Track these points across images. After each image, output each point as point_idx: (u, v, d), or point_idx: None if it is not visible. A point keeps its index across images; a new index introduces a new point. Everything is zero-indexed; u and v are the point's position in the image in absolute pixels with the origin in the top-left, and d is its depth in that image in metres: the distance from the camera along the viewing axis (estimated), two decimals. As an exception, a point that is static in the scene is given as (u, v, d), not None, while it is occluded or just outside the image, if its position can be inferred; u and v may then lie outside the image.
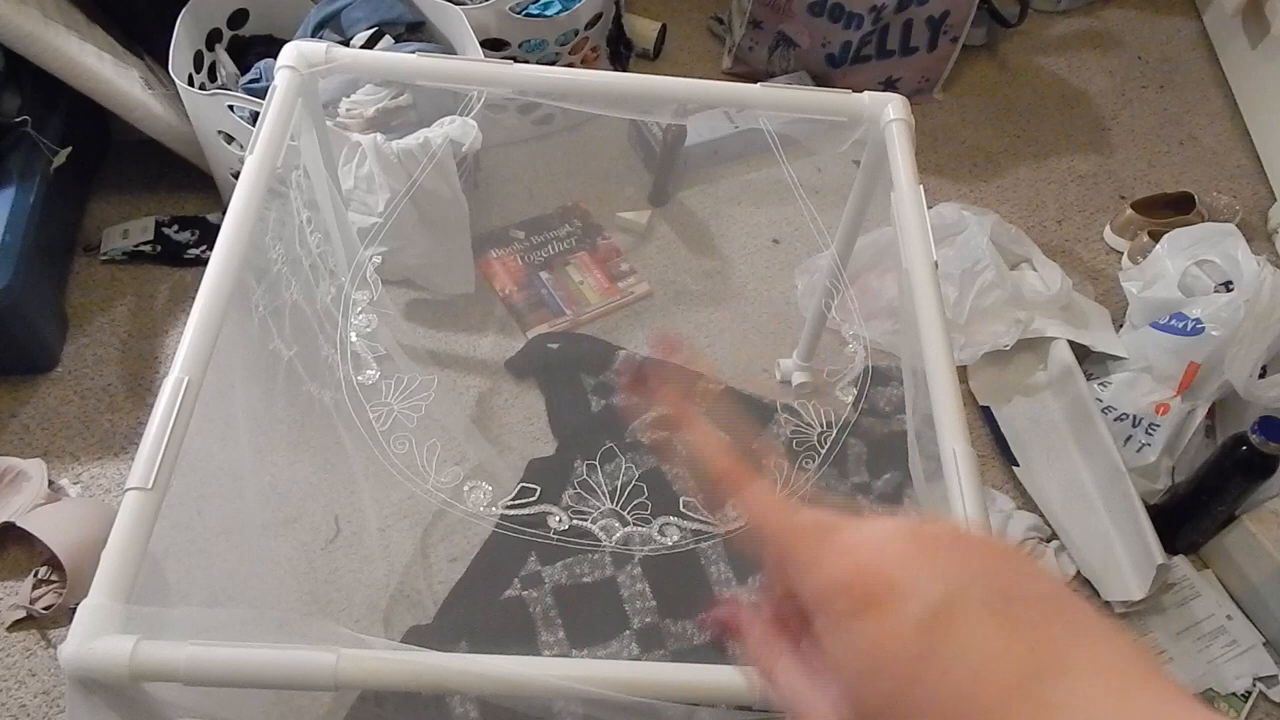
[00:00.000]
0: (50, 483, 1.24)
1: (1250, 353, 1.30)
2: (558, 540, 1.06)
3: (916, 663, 0.24)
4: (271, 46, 1.57)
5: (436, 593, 1.19)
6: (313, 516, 1.23)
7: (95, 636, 0.58)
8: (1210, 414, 1.41)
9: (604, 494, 1.17)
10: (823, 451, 1.18)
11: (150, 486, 0.65)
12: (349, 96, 1.41)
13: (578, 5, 1.61)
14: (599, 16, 1.70)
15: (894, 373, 1.40)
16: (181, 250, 1.52)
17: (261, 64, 1.50)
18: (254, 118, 1.26)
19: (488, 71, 1.05)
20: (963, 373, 1.48)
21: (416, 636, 1.14)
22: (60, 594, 1.15)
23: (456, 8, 1.50)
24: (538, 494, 1.08)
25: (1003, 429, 1.43)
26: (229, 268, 0.79)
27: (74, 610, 0.59)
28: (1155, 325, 1.43)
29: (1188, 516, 1.30)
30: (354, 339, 1.10)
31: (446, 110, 1.38)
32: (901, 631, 0.25)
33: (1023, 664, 0.24)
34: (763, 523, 0.31)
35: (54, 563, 1.16)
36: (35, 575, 1.17)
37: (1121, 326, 1.54)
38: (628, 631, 1.17)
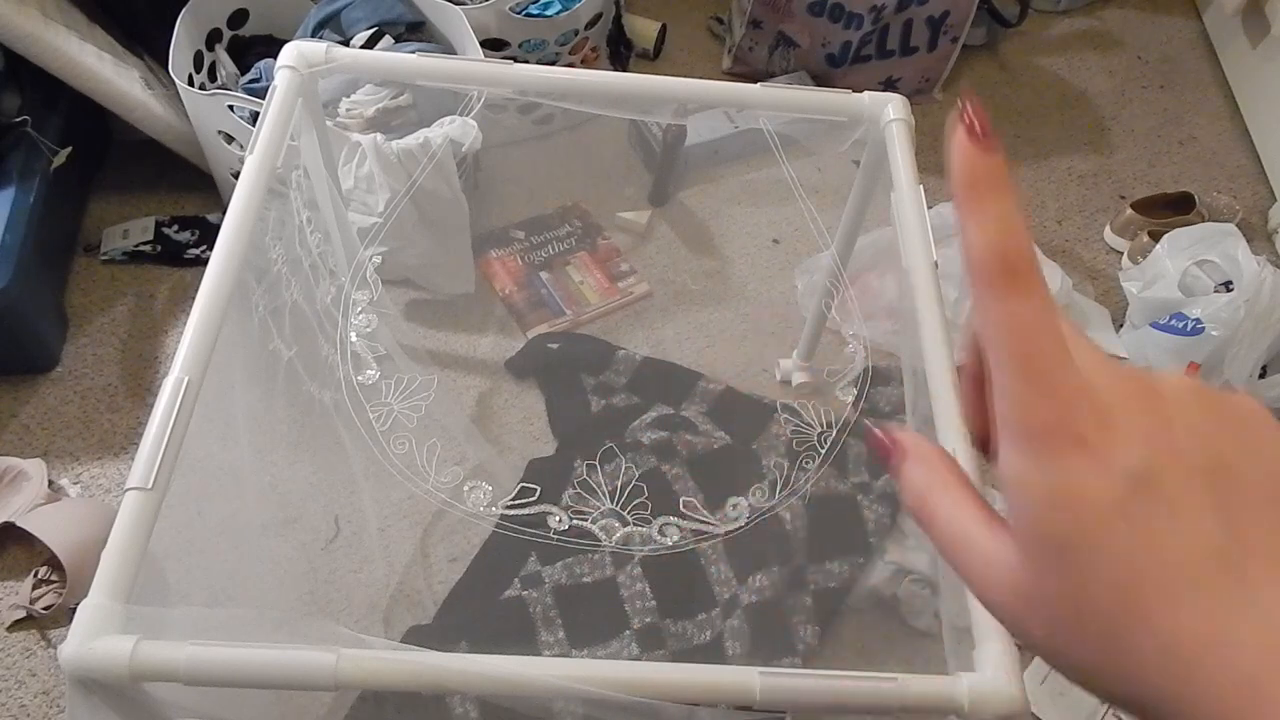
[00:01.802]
0: (50, 483, 1.24)
1: (1250, 353, 1.30)
2: (558, 540, 1.06)
3: (1109, 511, 0.23)
4: (271, 46, 1.57)
5: (436, 593, 1.19)
6: (313, 516, 1.23)
7: (95, 636, 0.58)
8: (1210, 414, 1.41)
9: (604, 494, 1.17)
10: (823, 451, 1.18)
11: (150, 486, 0.65)
12: (349, 96, 1.41)
13: (578, 5, 1.61)
14: (599, 16, 1.70)
15: (894, 373, 1.40)
16: (181, 250, 1.52)
17: (261, 64, 1.50)
18: (254, 118, 1.26)
19: (488, 71, 1.05)
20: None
21: (416, 636, 1.14)
22: (60, 594, 1.15)
23: (456, 8, 1.50)
24: (538, 494, 1.08)
25: (1003, 429, 1.42)
26: (229, 268, 0.79)
27: (74, 610, 0.59)
28: (1155, 325, 1.43)
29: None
30: (354, 339, 1.10)
31: (446, 110, 1.38)
32: (1105, 478, 0.23)
33: (1214, 549, 0.22)
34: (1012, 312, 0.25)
35: (54, 563, 1.16)
36: (35, 575, 1.17)
37: (1121, 326, 1.54)
38: (628, 631, 1.17)
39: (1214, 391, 0.25)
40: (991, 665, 0.63)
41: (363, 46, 1.46)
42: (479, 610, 1.18)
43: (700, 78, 1.14)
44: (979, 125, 0.25)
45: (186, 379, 0.70)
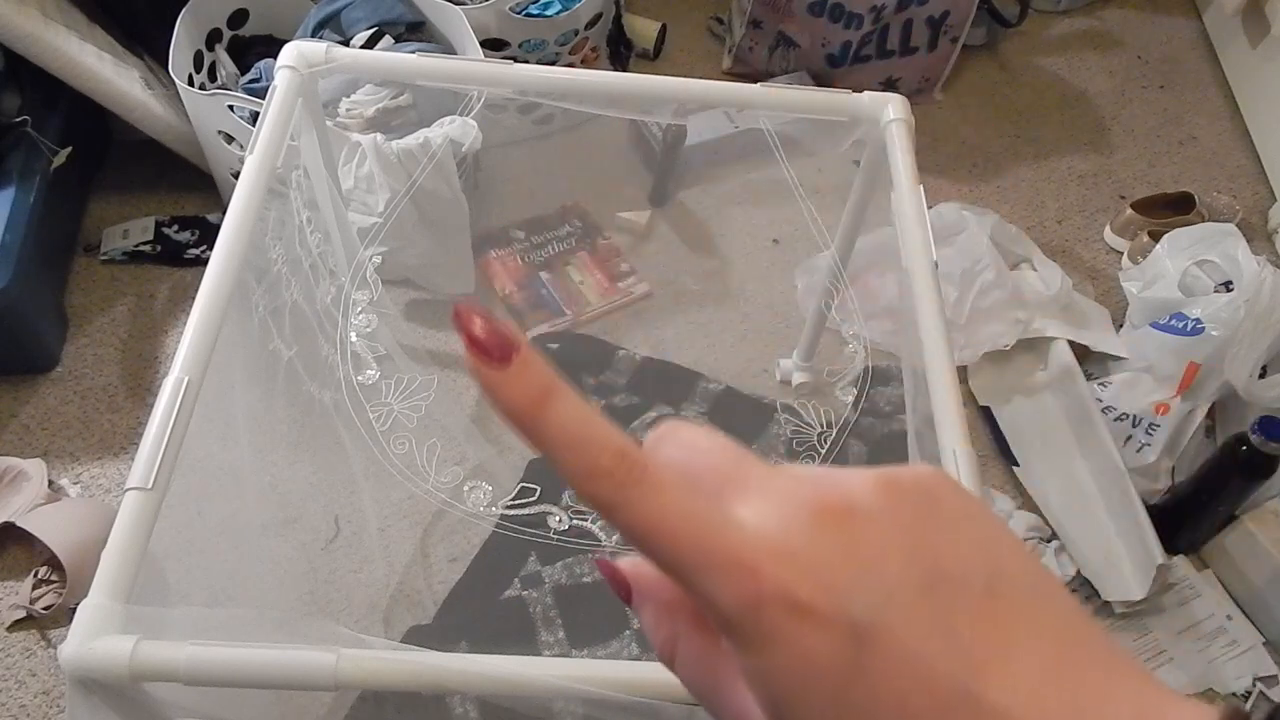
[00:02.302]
0: (50, 483, 1.24)
1: (1250, 353, 1.30)
2: (558, 540, 1.06)
3: (848, 677, 0.21)
4: (271, 46, 1.57)
5: (436, 593, 1.19)
6: (313, 516, 1.23)
7: (95, 636, 0.58)
8: (1210, 414, 1.41)
9: (604, 494, 1.17)
10: (823, 451, 1.18)
11: (150, 486, 0.65)
12: (349, 96, 1.41)
13: (578, 5, 1.61)
14: (599, 16, 1.70)
15: (894, 373, 1.40)
16: (181, 250, 1.52)
17: (261, 64, 1.50)
18: (254, 118, 1.26)
19: (488, 71, 1.05)
20: (963, 373, 1.48)
21: (416, 636, 1.14)
22: (60, 594, 1.15)
23: (456, 8, 1.50)
24: (538, 494, 1.08)
25: (1003, 429, 1.43)
26: (229, 268, 0.78)
27: (74, 610, 0.59)
28: (1155, 325, 1.43)
29: (1188, 516, 1.30)
30: (354, 339, 1.10)
31: (446, 110, 1.38)
32: (827, 646, 0.21)
33: (960, 663, 0.21)
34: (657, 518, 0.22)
35: (54, 563, 1.16)
36: (35, 575, 1.17)
37: (1121, 326, 1.54)
38: (628, 631, 1.17)
39: (900, 482, 0.23)
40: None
41: (363, 46, 1.46)
42: (479, 610, 1.18)
43: (700, 78, 1.14)
44: (488, 337, 0.22)
45: (186, 379, 0.70)
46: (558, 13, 1.61)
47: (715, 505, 0.22)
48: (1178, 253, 1.48)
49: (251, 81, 1.48)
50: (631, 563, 0.26)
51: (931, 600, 0.22)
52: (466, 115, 1.33)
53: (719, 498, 0.23)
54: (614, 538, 1.11)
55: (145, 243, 1.52)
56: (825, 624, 0.21)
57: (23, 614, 1.14)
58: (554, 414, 0.22)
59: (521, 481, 1.26)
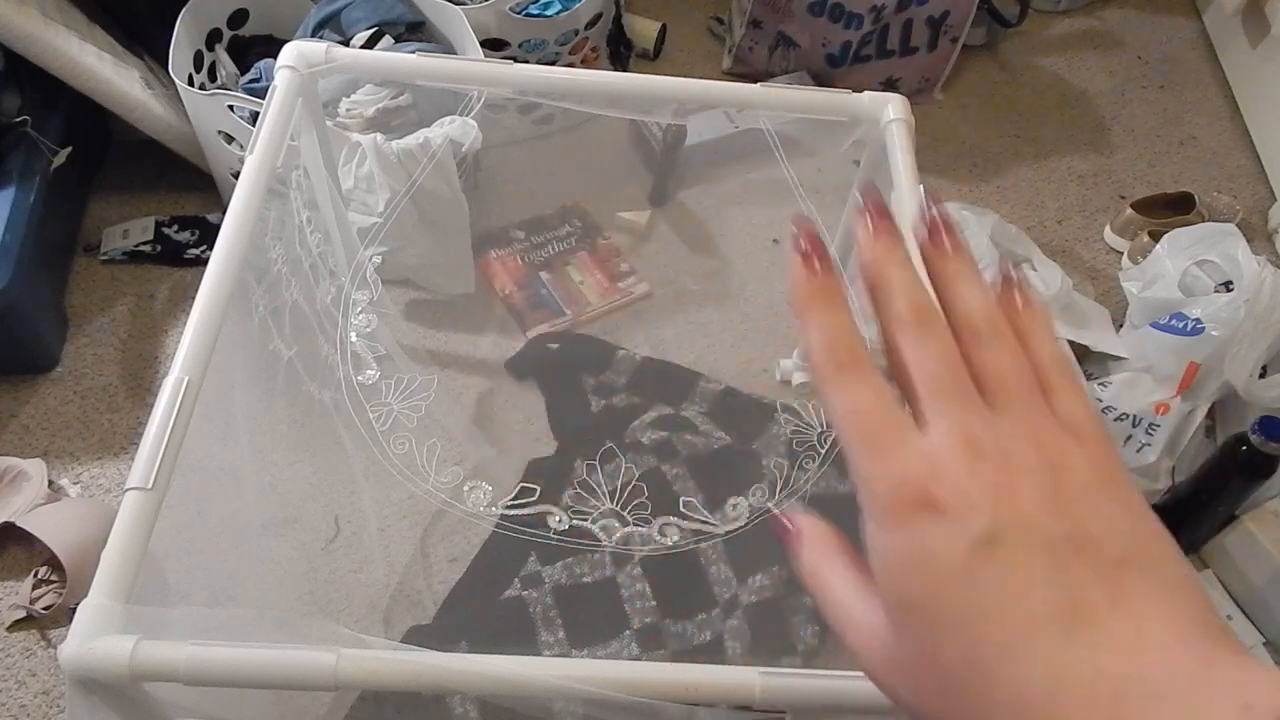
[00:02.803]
0: (50, 483, 1.24)
1: (1250, 353, 1.30)
2: (558, 540, 1.06)
3: (954, 576, 0.24)
4: (271, 46, 1.57)
5: (436, 593, 1.19)
6: (313, 516, 1.23)
7: (95, 636, 0.58)
8: (1210, 414, 1.41)
9: (604, 494, 1.17)
10: (823, 451, 1.18)
11: (150, 486, 0.65)
12: (349, 96, 1.41)
13: (578, 5, 1.61)
14: (599, 16, 1.70)
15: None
16: (181, 250, 1.52)
17: (261, 64, 1.50)
18: (254, 118, 1.26)
19: (488, 71, 1.05)
20: (963, 373, 1.48)
21: (416, 636, 1.14)
22: (60, 594, 1.15)
23: (456, 8, 1.50)
24: (538, 494, 1.08)
25: (1003, 429, 1.42)
26: (229, 268, 0.78)
27: (74, 610, 0.59)
28: (1155, 325, 1.43)
29: (1188, 516, 1.30)
30: (354, 339, 1.10)
31: (446, 110, 1.38)
32: (950, 544, 0.24)
33: (1051, 607, 0.23)
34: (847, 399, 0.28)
35: (54, 563, 1.16)
36: (35, 575, 1.17)
37: (1121, 326, 1.54)
38: (628, 631, 1.17)
39: (1066, 453, 0.26)
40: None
41: (363, 46, 1.46)
42: (479, 610, 1.18)
43: (700, 78, 1.14)
44: (811, 249, 0.30)
45: (186, 379, 0.70)
46: (558, 13, 1.61)
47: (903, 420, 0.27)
48: (1178, 253, 1.48)
49: (251, 81, 1.48)
50: (805, 518, 0.31)
51: (1061, 549, 0.24)
52: (466, 115, 1.33)
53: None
54: (613, 538, 1.11)
55: (145, 243, 1.52)
56: (953, 524, 0.24)
57: (23, 614, 1.15)
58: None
59: (521, 481, 1.26)
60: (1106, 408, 1.40)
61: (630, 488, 1.19)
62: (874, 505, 0.26)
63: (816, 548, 0.30)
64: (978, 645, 0.24)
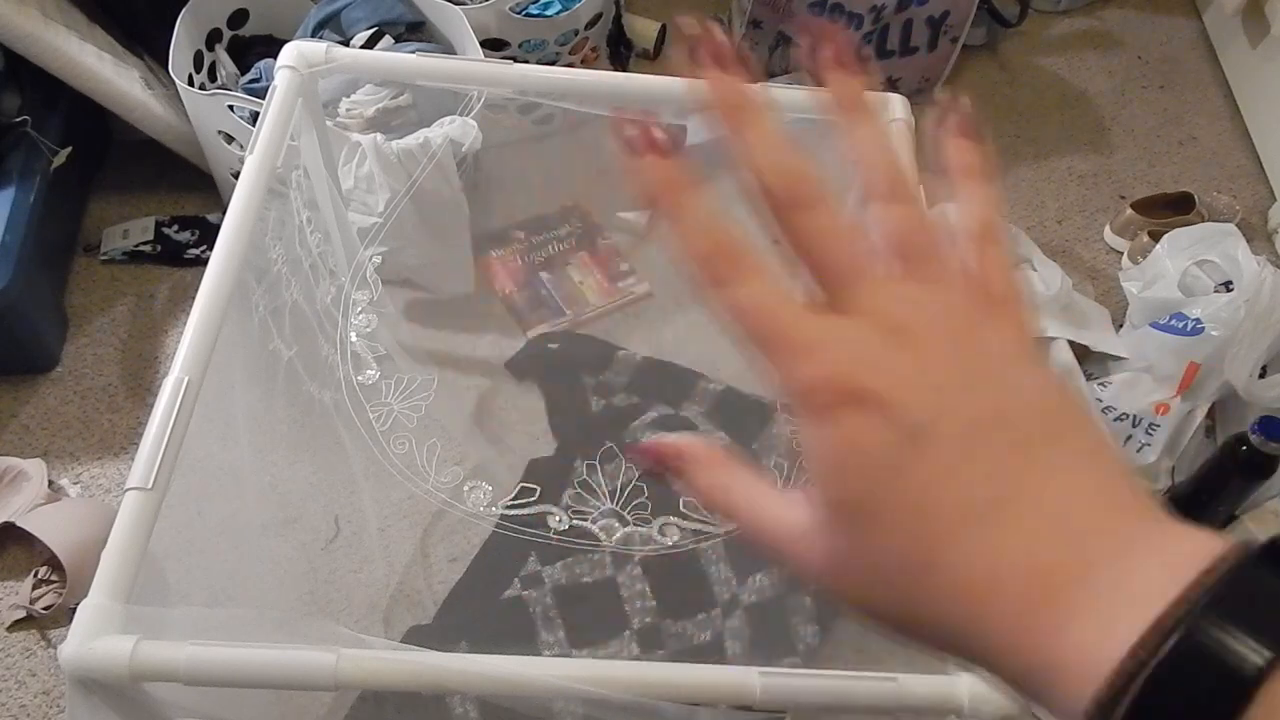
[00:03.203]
0: (50, 483, 1.24)
1: (1250, 353, 1.30)
2: (558, 540, 1.06)
3: (886, 471, 0.24)
4: (271, 46, 1.57)
5: (436, 593, 1.19)
6: (313, 516, 1.23)
7: (95, 636, 0.58)
8: (1210, 414, 1.41)
9: (604, 494, 1.17)
10: (823, 451, 1.18)
11: (150, 486, 0.65)
12: (349, 96, 1.41)
13: (578, 5, 1.61)
14: (599, 16, 1.70)
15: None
16: (181, 250, 1.52)
17: (261, 64, 1.50)
18: (254, 118, 1.26)
19: (488, 71, 1.05)
20: (963, 373, 1.48)
21: (416, 636, 1.14)
22: (60, 594, 1.15)
23: (456, 8, 1.50)
24: (538, 494, 1.08)
25: (1003, 429, 1.43)
26: (229, 268, 0.78)
27: (74, 610, 0.59)
28: (1155, 325, 1.43)
29: (1188, 516, 1.30)
30: (354, 339, 1.10)
31: (446, 110, 1.38)
32: (880, 437, 0.24)
33: (980, 492, 0.24)
34: (757, 311, 0.27)
35: (54, 563, 1.16)
36: (35, 575, 1.17)
37: (1121, 326, 1.54)
38: (628, 631, 1.17)
39: (983, 324, 0.26)
40: (991, 665, 0.63)
41: (363, 46, 1.46)
42: (479, 610, 1.18)
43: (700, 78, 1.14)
44: (645, 134, 0.29)
45: (186, 379, 0.70)
46: (558, 13, 1.61)
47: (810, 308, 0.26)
48: (1178, 253, 1.48)
49: (251, 81, 1.48)
50: (674, 438, 0.30)
51: (984, 431, 0.24)
52: (466, 115, 1.33)
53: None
54: (613, 538, 1.11)
55: (145, 243, 1.52)
56: (886, 416, 0.24)
57: (23, 614, 1.15)
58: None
59: (521, 481, 1.26)
60: (1106, 408, 1.40)
61: (630, 488, 1.19)
62: (801, 404, 0.25)
63: (715, 466, 0.29)
64: (917, 537, 0.24)
